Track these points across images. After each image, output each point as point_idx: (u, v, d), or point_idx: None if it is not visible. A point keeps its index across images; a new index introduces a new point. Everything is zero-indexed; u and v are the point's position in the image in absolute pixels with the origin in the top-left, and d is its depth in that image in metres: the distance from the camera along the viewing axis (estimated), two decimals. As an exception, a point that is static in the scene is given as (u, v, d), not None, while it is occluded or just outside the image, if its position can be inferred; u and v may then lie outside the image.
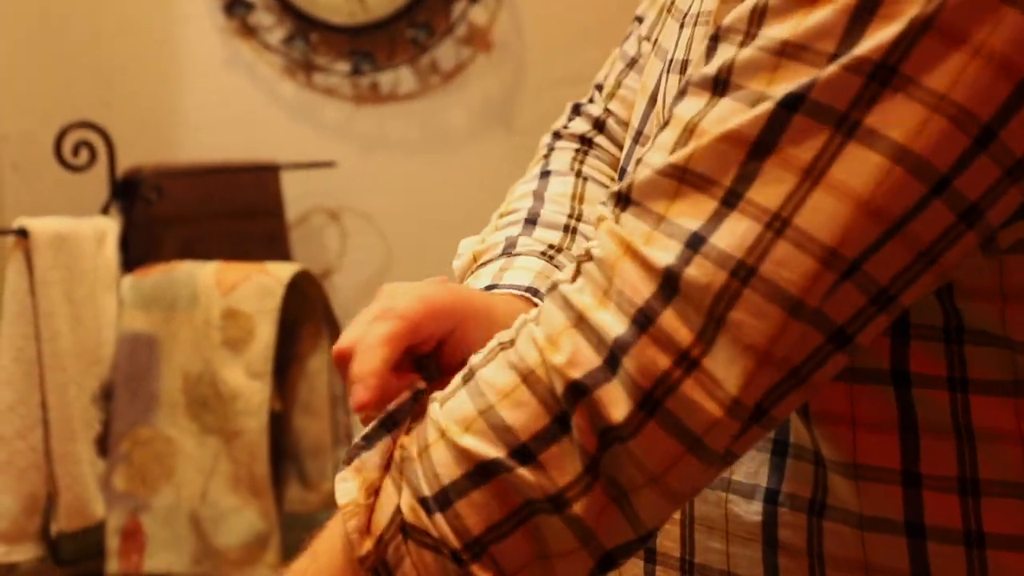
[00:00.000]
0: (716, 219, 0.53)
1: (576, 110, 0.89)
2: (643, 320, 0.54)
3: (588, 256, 0.56)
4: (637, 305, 0.54)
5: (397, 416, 0.63)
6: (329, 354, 1.58)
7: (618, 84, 0.89)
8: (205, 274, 1.54)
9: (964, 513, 0.60)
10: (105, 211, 1.66)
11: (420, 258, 2.07)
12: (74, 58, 1.89)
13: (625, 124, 0.89)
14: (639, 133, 0.75)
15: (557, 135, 0.88)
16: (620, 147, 0.86)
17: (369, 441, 0.61)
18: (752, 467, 0.67)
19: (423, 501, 0.57)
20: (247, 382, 1.50)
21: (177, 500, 1.53)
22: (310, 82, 1.93)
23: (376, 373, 0.61)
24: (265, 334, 1.50)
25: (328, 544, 0.61)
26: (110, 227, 1.60)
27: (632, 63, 0.89)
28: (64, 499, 1.47)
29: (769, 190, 0.52)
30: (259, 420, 1.50)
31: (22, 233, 1.43)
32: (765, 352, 0.53)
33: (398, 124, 1.95)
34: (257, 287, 1.51)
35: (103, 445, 1.54)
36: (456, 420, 0.57)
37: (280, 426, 1.56)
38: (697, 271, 0.53)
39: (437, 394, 0.60)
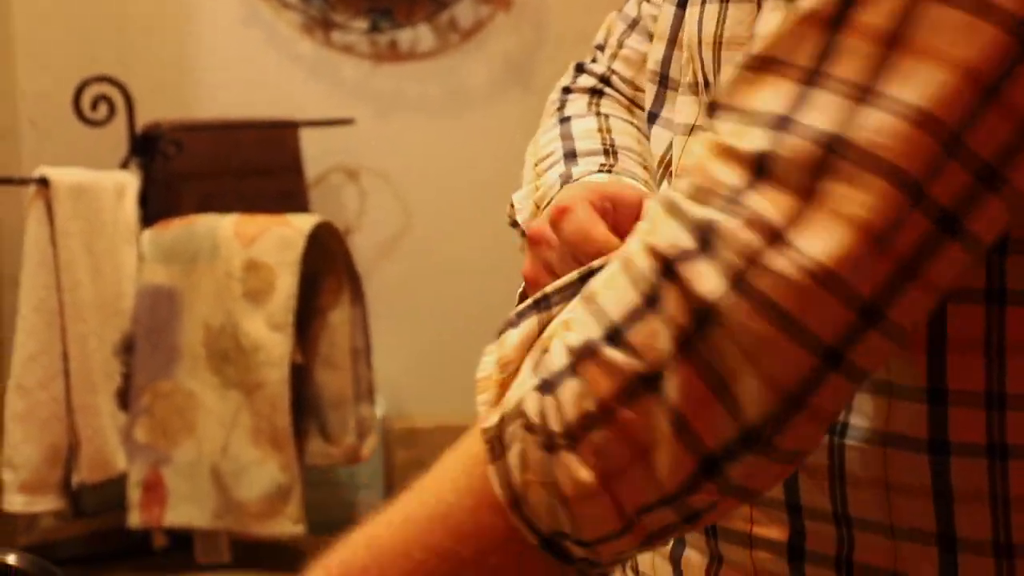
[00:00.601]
0: (801, 99, 0.52)
1: (580, 68, 0.90)
2: (734, 203, 0.52)
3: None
4: (728, 191, 0.53)
5: (552, 297, 0.62)
6: (350, 308, 1.58)
7: (620, 44, 0.90)
8: (225, 226, 1.53)
9: (988, 427, 0.60)
10: (124, 166, 1.65)
11: (439, 218, 2.07)
12: (93, 14, 1.88)
13: (629, 83, 0.90)
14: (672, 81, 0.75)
15: (567, 90, 0.89)
16: (628, 100, 0.87)
17: (519, 318, 0.61)
18: None
19: (538, 386, 0.56)
20: (268, 334, 1.49)
21: (198, 454, 1.53)
22: (328, 40, 1.92)
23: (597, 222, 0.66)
24: (286, 285, 1.49)
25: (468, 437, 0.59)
26: (129, 181, 1.59)
27: (634, 24, 0.89)
28: (85, 451, 1.47)
29: (851, 62, 0.51)
30: (280, 372, 1.49)
31: (43, 182, 1.43)
32: (862, 224, 0.51)
33: (416, 83, 1.94)
34: (278, 239, 1.50)
35: (124, 398, 1.54)
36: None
37: (301, 380, 1.56)
38: (786, 150, 0.52)
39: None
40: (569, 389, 0.55)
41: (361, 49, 1.93)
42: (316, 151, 1.87)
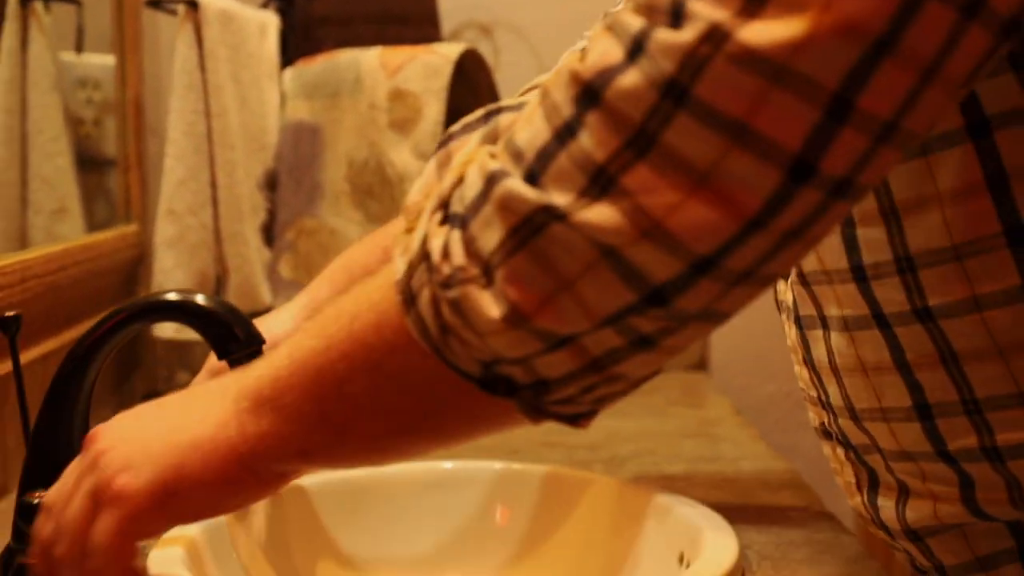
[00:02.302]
0: None
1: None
2: (673, 10, 0.50)
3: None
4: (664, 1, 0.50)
5: (453, 135, 0.61)
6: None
7: None
8: (369, 58, 1.51)
9: None
10: (264, 6, 1.64)
11: (575, 72, 2.01)
12: None
13: None
14: None
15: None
16: None
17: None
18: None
19: (445, 214, 0.56)
20: (415, 163, 1.47)
21: (342, 291, 1.52)
22: None
23: None
24: (433, 113, 1.47)
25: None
26: (271, 20, 1.58)
27: None
28: (233, 280, 1.46)
29: None
30: (427, 201, 1.47)
31: (192, 4, 1.42)
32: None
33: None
34: (424, 66, 1.48)
35: (268, 233, 1.53)
36: (499, 134, 0.56)
37: (445, 216, 1.54)
38: None
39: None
40: (482, 221, 0.53)
41: (496, -100, 1.89)
42: (449, 6, 1.84)
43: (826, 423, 0.82)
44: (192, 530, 0.90)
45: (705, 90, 0.48)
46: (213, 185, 1.44)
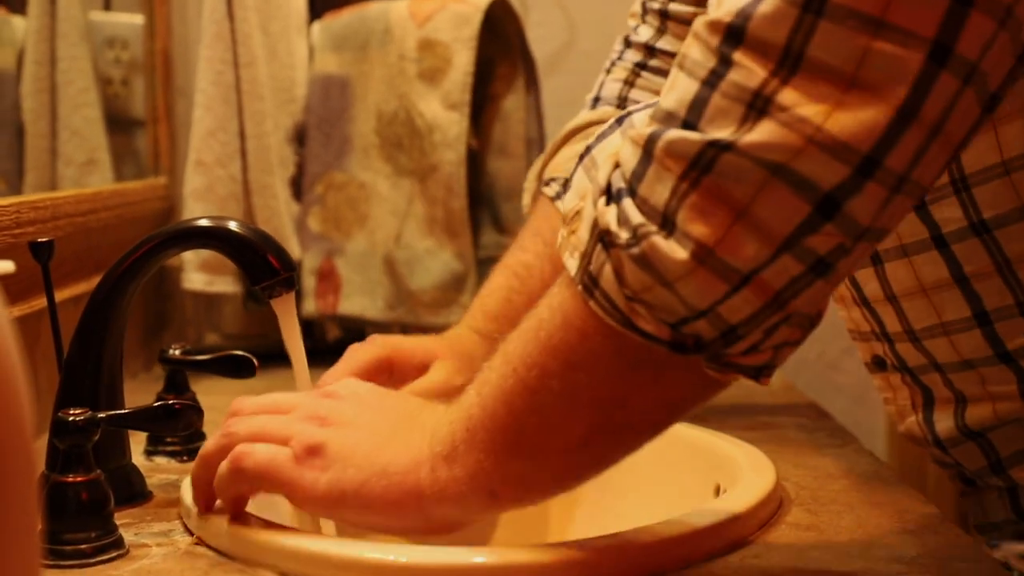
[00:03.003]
0: None
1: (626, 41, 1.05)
2: None
3: None
4: None
5: (591, 148, 0.65)
6: (525, 95, 1.54)
7: None
8: (398, 8, 1.50)
9: None
10: (292, -39, 1.63)
11: (606, 30, 2.00)
12: None
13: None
14: None
15: (626, 41, 1.03)
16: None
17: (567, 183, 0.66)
18: None
19: (610, 195, 0.59)
20: (444, 113, 1.46)
21: (371, 245, 1.51)
22: None
23: None
24: (463, 62, 1.46)
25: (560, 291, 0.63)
26: (299, -27, 1.57)
27: None
28: (262, 232, 1.45)
29: None
30: (457, 152, 1.46)
31: (220, -47, 1.41)
32: None
33: None
34: (453, 15, 1.47)
35: (297, 187, 1.53)
36: (638, 122, 0.61)
37: (474, 170, 1.53)
38: None
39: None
40: (651, 180, 0.56)
41: None
42: (478, -37, 1.83)
43: (880, 353, 0.88)
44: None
45: None
46: (242, 136, 1.43)
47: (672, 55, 1.02)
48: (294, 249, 1.50)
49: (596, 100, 1.08)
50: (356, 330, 1.56)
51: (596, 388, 0.61)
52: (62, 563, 0.72)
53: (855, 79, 0.53)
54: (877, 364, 0.89)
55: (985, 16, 0.53)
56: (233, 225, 0.85)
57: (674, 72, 0.58)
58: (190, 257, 1.44)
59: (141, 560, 0.73)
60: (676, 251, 0.56)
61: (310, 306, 1.50)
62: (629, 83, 1.05)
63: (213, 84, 1.42)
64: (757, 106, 0.54)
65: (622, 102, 1.05)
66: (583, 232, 0.60)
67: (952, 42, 0.52)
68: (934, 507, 0.83)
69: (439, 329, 1.07)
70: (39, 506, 0.72)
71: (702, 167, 0.55)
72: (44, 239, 0.85)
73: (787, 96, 0.53)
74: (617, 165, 0.59)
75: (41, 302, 0.98)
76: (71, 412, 0.73)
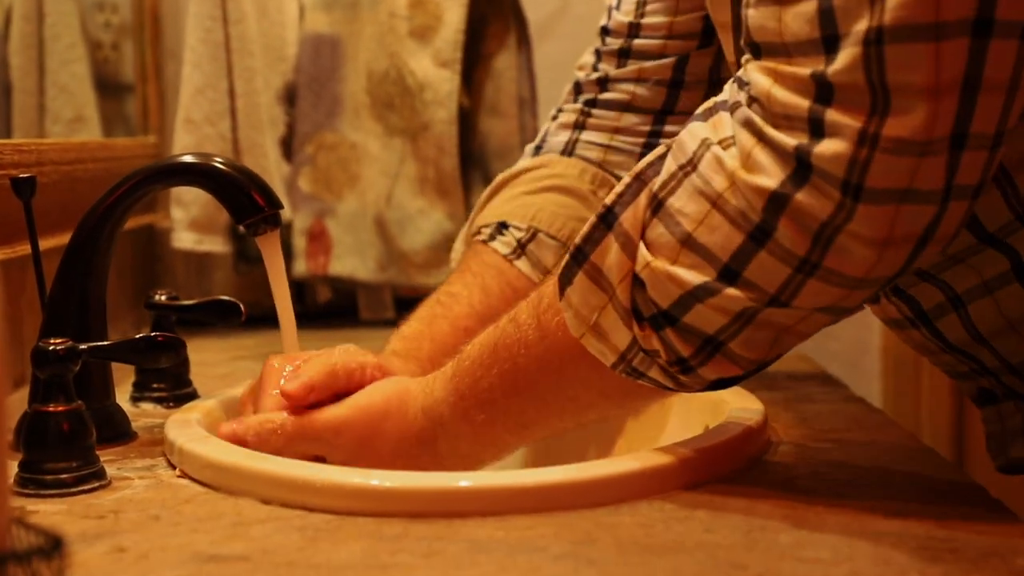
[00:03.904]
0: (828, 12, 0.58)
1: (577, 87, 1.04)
2: (815, 123, 0.58)
3: (745, 95, 0.63)
4: (804, 114, 0.59)
5: (614, 210, 0.67)
6: (516, 54, 1.53)
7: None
8: (389, -34, 1.49)
9: None
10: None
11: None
12: None
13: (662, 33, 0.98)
14: None
15: (576, 88, 1.03)
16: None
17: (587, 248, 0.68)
18: None
19: (649, 319, 0.65)
20: (435, 71, 1.45)
21: (362, 206, 1.50)
22: None
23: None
24: (454, 20, 1.45)
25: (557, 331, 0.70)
26: (289, -67, 1.56)
27: None
28: (252, 191, 1.44)
29: None
30: (448, 111, 1.45)
31: (208, -92, 1.40)
32: (936, 87, 0.57)
33: None
34: (444, -27, 1.46)
35: (287, 148, 1.52)
36: (659, 250, 0.64)
37: (465, 129, 1.52)
38: (842, 67, 0.58)
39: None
40: (697, 315, 0.63)
41: None
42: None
43: (989, 387, 0.83)
44: (210, 402, 0.89)
45: (873, 179, 0.58)
46: (231, 95, 1.42)
47: (628, 81, 0.98)
48: (285, 211, 1.49)
49: (538, 148, 1.04)
50: (347, 292, 1.56)
51: (589, 409, 0.74)
52: (43, 492, 0.71)
53: (888, 241, 0.61)
54: (986, 400, 0.85)
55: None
56: (218, 161, 0.84)
57: (707, 209, 0.62)
58: (180, 216, 1.43)
59: (123, 491, 0.73)
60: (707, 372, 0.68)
61: (301, 267, 1.50)
62: (579, 126, 1.01)
63: (202, 41, 1.41)
64: (804, 270, 0.61)
65: (569, 148, 1.01)
66: (615, 334, 0.67)
67: (952, 184, 0.61)
68: (923, 442, 0.83)
69: (430, 290, 1.05)
70: (10, 442, 0.71)
71: (746, 318, 0.64)
72: (26, 175, 0.84)
73: (831, 261, 0.61)
74: (638, 283, 0.65)
75: (25, 248, 0.97)
76: (51, 342, 0.73)
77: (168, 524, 0.66)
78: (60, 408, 0.72)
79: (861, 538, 0.61)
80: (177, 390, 1.00)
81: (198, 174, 0.84)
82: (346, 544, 0.61)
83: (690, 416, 0.88)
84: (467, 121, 1.52)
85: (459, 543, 0.61)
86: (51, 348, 0.72)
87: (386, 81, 1.48)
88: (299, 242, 1.50)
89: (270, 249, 0.86)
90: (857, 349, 1.90)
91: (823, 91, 0.58)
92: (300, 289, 1.53)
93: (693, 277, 0.62)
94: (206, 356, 1.22)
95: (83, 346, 0.74)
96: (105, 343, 0.79)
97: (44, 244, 1.03)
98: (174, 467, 0.78)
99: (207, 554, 0.61)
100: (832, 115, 0.58)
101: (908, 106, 0.57)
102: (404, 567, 0.58)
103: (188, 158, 0.85)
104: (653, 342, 0.65)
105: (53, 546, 0.40)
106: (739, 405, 0.83)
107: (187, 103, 1.41)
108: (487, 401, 0.73)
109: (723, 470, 0.73)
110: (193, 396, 0.99)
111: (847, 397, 0.99)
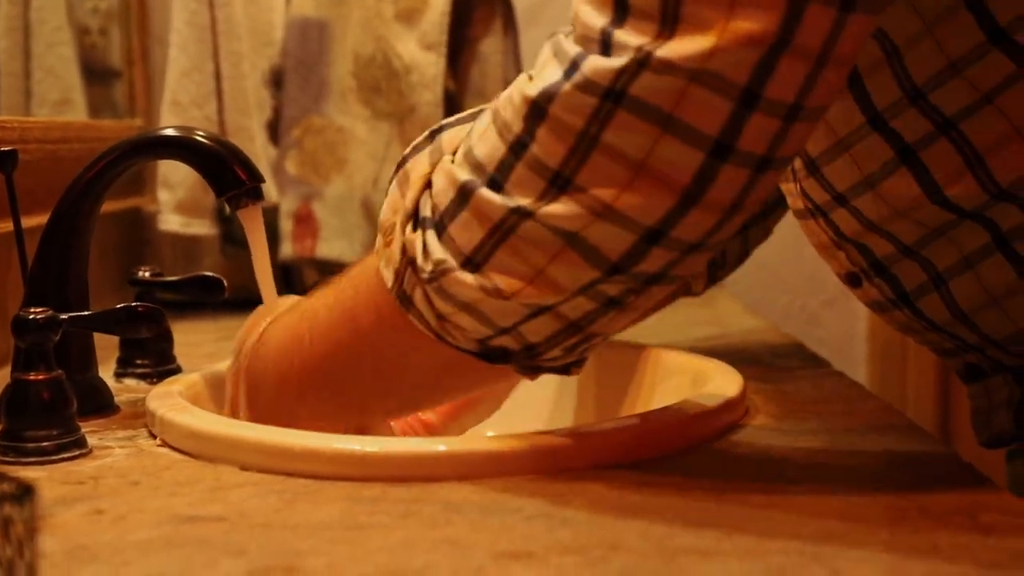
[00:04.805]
0: None
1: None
2: (605, 43, 0.58)
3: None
4: (596, 35, 0.58)
5: (407, 158, 0.69)
6: (502, 38, 1.54)
7: None
8: (375, -50, 1.49)
9: None
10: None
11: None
12: None
13: None
14: None
15: None
16: None
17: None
18: None
19: (416, 220, 0.65)
20: (421, 54, 1.46)
21: (349, 189, 1.50)
22: None
23: None
24: (440, 3, 1.45)
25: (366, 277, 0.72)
26: (276, -83, 1.56)
27: None
28: (239, 174, 1.45)
29: None
30: (434, 93, 1.46)
31: None
32: (725, 27, 0.55)
33: None
34: (430, -44, 1.46)
35: (274, 131, 1.52)
36: (447, 144, 0.66)
37: (452, 112, 1.52)
38: None
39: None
40: (461, 224, 0.63)
41: None
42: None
43: (976, 363, 0.83)
44: (193, 375, 0.89)
45: (635, 93, 0.57)
46: (217, 77, 1.43)
47: None
48: (271, 192, 1.50)
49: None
50: (334, 274, 1.56)
51: (410, 377, 0.73)
52: (23, 460, 0.72)
53: (643, 165, 0.58)
54: (973, 376, 0.85)
55: (768, 117, 0.58)
56: (199, 135, 0.84)
57: (487, 122, 0.63)
58: (166, 198, 1.43)
59: (103, 459, 0.73)
60: (473, 287, 0.63)
61: (287, 250, 1.50)
62: None
63: (188, 24, 1.41)
64: (556, 183, 0.60)
65: None
66: (396, 251, 0.66)
67: (733, 141, 0.58)
68: (904, 416, 0.83)
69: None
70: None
71: (506, 229, 0.61)
72: (7, 148, 0.84)
73: (582, 178, 0.59)
74: (428, 186, 0.65)
75: (7, 226, 0.97)
76: (32, 311, 0.73)
77: (147, 489, 0.66)
78: (41, 377, 0.73)
79: (832, 497, 0.61)
80: (161, 366, 1.01)
81: (180, 147, 0.85)
82: (324, 506, 0.62)
83: (680, 391, 0.88)
84: (453, 105, 1.52)
85: (435, 504, 0.61)
86: (31, 317, 0.73)
87: (372, 65, 1.49)
88: (286, 225, 1.50)
89: (252, 223, 0.86)
90: (844, 336, 1.90)
91: (620, 11, 0.58)
92: (287, 272, 1.54)
93: (466, 175, 0.63)
94: (192, 337, 1.23)
95: (64, 316, 0.75)
96: (86, 313, 0.79)
97: (28, 223, 1.03)
98: (155, 437, 0.78)
99: (184, 515, 0.61)
100: (619, 35, 0.58)
101: (692, 36, 0.56)
102: (380, 527, 0.59)
103: (170, 131, 0.85)
104: (416, 244, 0.65)
105: (24, 492, 0.40)
106: (720, 378, 0.83)
107: (173, 86, 1.42)
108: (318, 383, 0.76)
109: (699, 437, 0.74)
110: (177, 372, 1.00)
111: (828, 373, 1.00)
